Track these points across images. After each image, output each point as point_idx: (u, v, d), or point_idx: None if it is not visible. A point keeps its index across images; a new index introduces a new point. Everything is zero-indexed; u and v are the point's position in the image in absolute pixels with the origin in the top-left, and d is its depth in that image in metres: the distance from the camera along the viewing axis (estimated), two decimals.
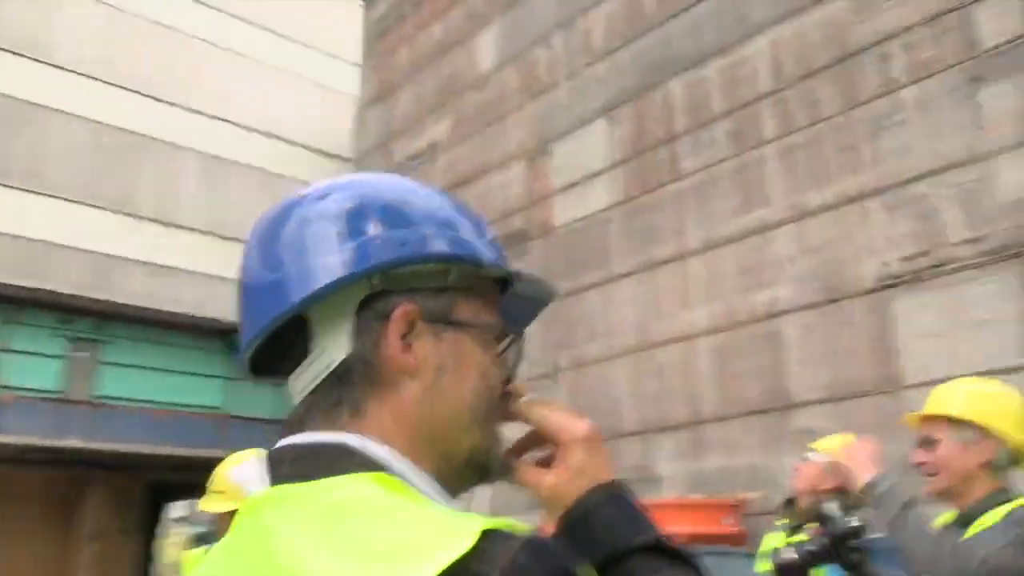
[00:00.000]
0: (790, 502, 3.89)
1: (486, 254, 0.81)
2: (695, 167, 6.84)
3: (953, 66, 5.23)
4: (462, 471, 0.79)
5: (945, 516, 2.47)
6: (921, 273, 5.23)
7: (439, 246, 0.78)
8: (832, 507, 3.50)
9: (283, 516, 0.66)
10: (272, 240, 0.79)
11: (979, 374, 3.64)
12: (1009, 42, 4.97)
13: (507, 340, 0.85)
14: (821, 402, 5.67)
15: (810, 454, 3.70)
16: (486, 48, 9.37)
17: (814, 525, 3.39)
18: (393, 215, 0.78)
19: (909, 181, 5.39)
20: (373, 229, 0.76)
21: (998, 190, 4.95)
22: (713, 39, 6.85)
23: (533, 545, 0.58)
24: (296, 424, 0.76)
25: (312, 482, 0.69)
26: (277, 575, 0.61)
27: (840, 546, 2.84)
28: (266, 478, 0.74)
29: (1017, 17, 4.92)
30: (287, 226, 0.79)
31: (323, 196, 0.80)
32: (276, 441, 0.77)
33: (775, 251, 6.13)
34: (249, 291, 0.80)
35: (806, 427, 5.47)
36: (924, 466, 2.40)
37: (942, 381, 2.57)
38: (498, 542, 0.57)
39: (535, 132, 8.49)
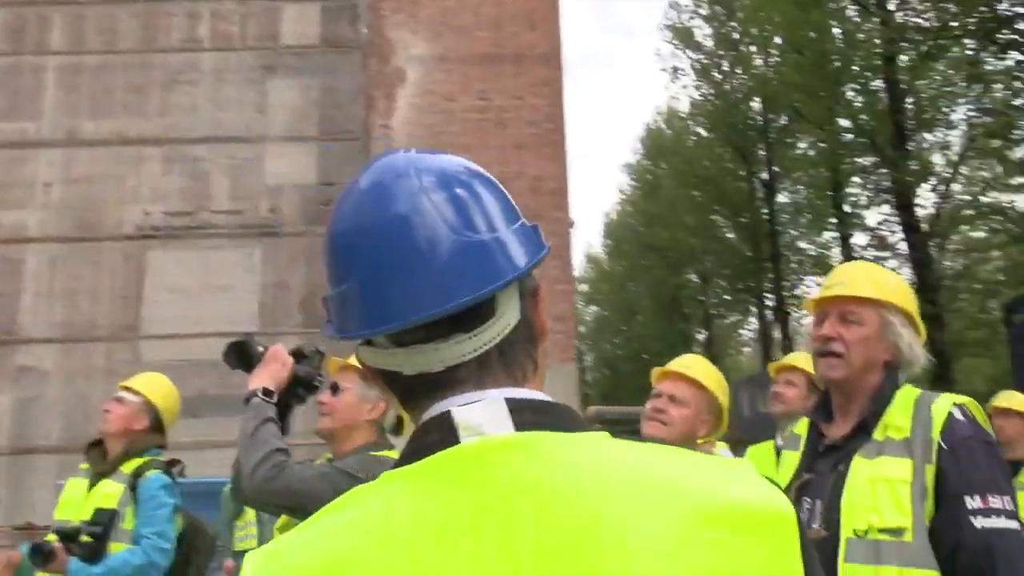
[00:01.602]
0: (97, 444, 3.54)
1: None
2: None
3: (253, 49, 5.60)
4: None
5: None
6: (181, 231, 5.43)
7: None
8: None
9: (578, 454, 0.77)
10: (448, 197, 0.83)
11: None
12: (303, 46, 5.57)
13: None
14: (50, 341, 5.38)
15: (123, 393, 3.49)
16: None
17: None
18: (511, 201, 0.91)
19: (191, 141, 5.57)
20: (520, 216, 0.89)
21: (264, 173, 5.47)
22: None
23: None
24: (473, 379, 0.83)
25: (573, 433, 0.79)
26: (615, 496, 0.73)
27: None
28: (504, 423, 0.79)
29: (315, 27, 5.55)
30: (452, 188, 0.84)
31: (457, 167, 0.88)
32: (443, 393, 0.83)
33: (33, 172, 5.60)
34: (436, 245, 0.81)
35: (31, 365, 5.13)
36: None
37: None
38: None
39: None
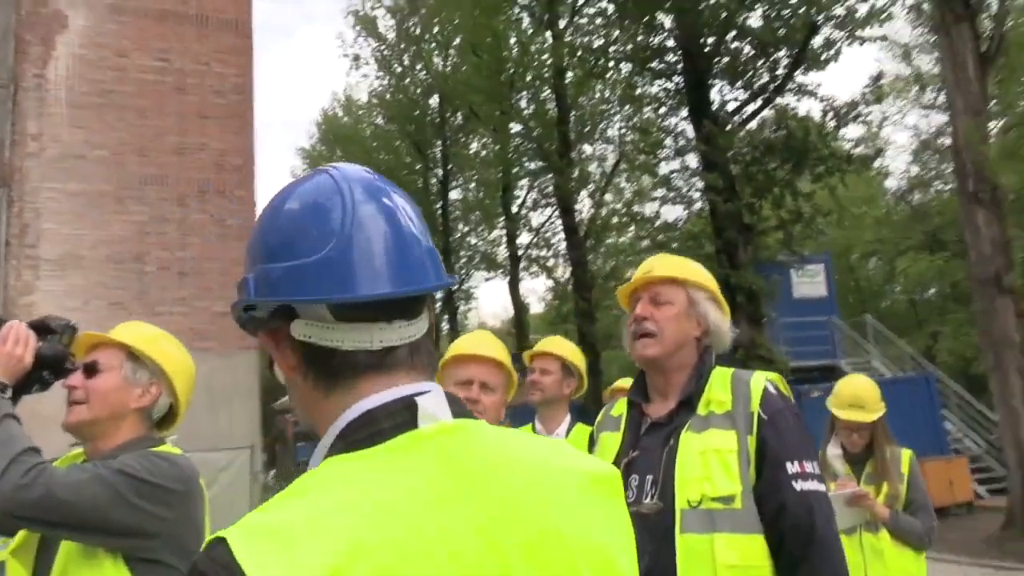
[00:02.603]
0: None
1: None
2: None
3: None
4: None
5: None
6: None
7: None
8: None
9: (501, 438, 0.94)
10: (413, 208, 0.99)
11: None
12: None
13: None
14: None
15: None
16: None
17: None
18: None
19: None
20: None
21: None
22: None
23: None
24: (405, 364, 0.94)
25: (472, 421, 0.94)
26: (535, 468, 0.92)
27: None
28: (446, 411, 0.92)
29: None
30: (412, 203, 1.00)
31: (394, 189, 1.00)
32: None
33: None
34: (429, 249, 0.97)
35: None
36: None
37: None
38: None
39: None
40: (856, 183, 21.32)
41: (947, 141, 31.64)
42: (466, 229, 28.32)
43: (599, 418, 2.39)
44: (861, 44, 15.33)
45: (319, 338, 0.91)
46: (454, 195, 28.56)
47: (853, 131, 21.00)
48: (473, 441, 0.90)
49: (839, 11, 15.19)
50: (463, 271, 28.10)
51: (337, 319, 0.90)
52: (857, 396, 3.84)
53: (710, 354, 2.20)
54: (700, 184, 16.07)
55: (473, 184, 27.73)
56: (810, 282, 18.06)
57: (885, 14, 14.74)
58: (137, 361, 2.05)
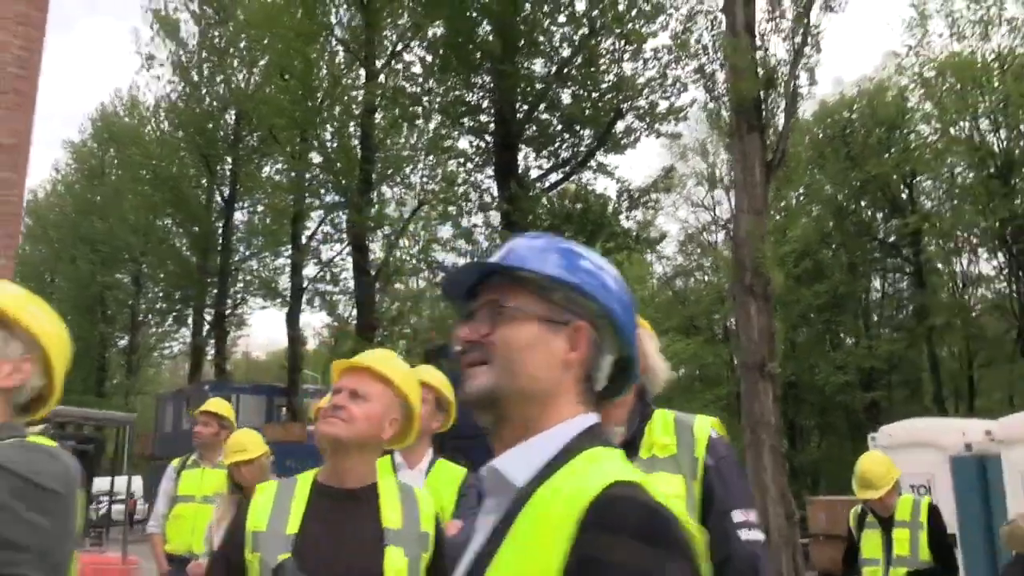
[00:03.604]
0: None
1: None
2: None
3: None
4: None
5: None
6: None
7: None
8: None
9: None
10: None
11: None
12: None
13: None
14: None
15: None
16: None
17: None
18: None
19: None
20: None
21: None
22: None
23: None
24: None
25: None
26: None
27: None
28: None
29: None
30: None
31: None
32: None
33: None
34: None
35: None
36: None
37: None
38: None
39: None
40: (629, 264, 22.88)
41: (711, 238, 35.02)
42: (247, 252, 27.01)
43: None
44: (658, 136, 16.62)
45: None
46: (239, 216, 27.24)
47: (638, 215, 22.53)
48: None
49: (643, 103, 16.45)
50: (239, 296, 26.70)
51: None
52: (863, 476, 4.50)
53: (649, 394, 2.16)
54: (500, 242, 16.52)
55: (261, 207, 26.58)
56: None
57: (682, 112, 16.12)
58: (7, 329, 1.61)
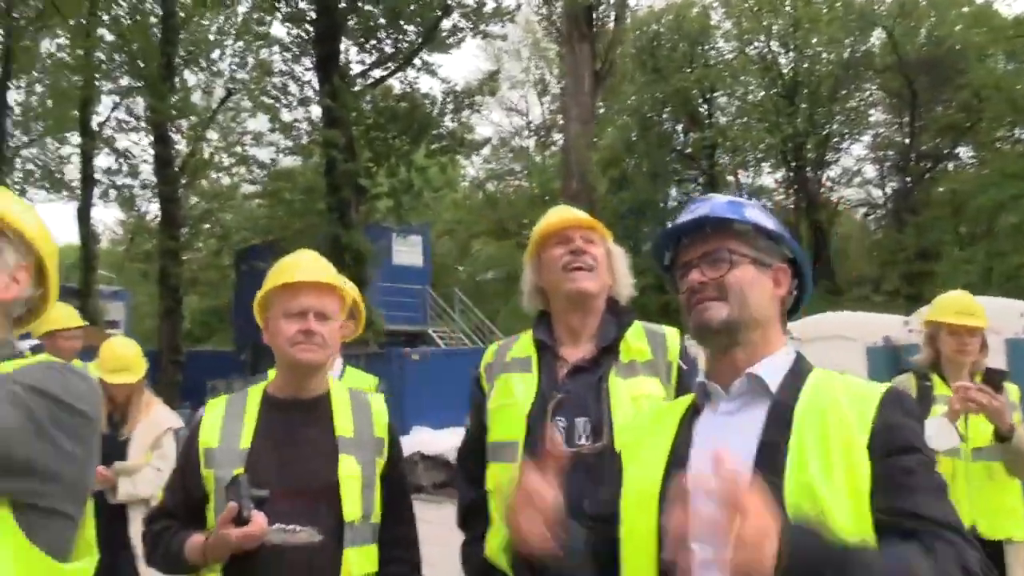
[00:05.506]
0: None
1: None
2: None
3: None
4: None
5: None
6: None
7: None
8: None
9: None
10: None
11: None
12: None
13: None
14: None
15: None
16: None
17: None
18: None
19: None
20: None
21: None
22: None
23: None
24: None
25: None
26: None
27: None
28: None
29: None
30: None
31: None
32: None
33: None
34: None
35: None
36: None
37: None
38: None
39: None
40: (453, 167, 22.86)
41: (523, 143, 35.54)
42: (26, 139, 24.22)
43: (488, 359, 2.37)
44: (484, 38, 16.51)
45: None
46: (14, 96, 24.22)
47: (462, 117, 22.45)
48: None
49: (470, 0, 16.21)
50: (18, 188, 24.02)
51: None
52: (965, 304, 3.51)
53: (619, 306, 2.32)
54: (319, 138, 15.96)
55: (41, 88, 23.77)
56: (409, 251, 18.99)
57: (509, 15, 16.07)
58: (1, 235, 1.43)
